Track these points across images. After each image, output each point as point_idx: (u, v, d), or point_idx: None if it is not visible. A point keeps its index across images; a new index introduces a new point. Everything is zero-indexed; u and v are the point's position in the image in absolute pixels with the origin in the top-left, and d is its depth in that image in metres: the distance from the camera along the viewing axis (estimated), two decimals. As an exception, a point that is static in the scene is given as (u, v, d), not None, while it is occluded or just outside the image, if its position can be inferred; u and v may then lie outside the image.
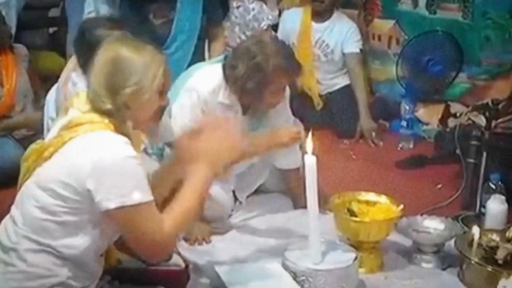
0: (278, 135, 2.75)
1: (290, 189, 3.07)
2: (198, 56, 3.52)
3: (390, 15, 4.41)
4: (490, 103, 2.98)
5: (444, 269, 2.51)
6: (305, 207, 2.30)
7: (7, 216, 1.89)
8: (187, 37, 3.49)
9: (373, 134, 4.09)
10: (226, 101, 2.75)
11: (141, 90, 1.83)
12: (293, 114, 3.11)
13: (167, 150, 2.79)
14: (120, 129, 1.83)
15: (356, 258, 2.30)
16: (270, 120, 2.91)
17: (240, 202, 3.00)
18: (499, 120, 3.07)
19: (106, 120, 1.82)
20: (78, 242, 1.81)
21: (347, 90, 4.28)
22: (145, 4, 3.47)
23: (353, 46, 4.29)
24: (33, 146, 1.91)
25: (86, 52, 2.26)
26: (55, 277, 1.80)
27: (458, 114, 3.38)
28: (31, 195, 1.82)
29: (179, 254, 2.23)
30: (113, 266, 2.03)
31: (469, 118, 3.39)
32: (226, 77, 2.73)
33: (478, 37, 4.02)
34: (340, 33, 4.27)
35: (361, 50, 4.33)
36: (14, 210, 1.87)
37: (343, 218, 2.47)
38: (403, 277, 2.45)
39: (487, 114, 3.01)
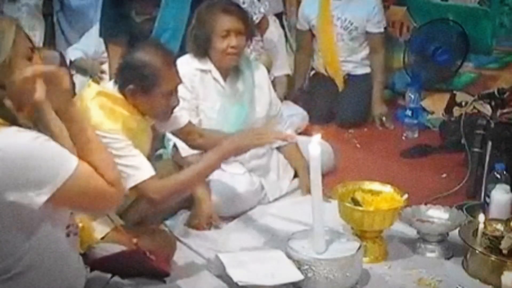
0: (263, 134, 2.56)
1: (295, 168, 3.11)
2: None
3: (403, 1, 4.35)
4: (496, 93, 2.96)
5: (448, 259, 2.50)
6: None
7: None
8: (170, 36, 3.30)
9: (384, 118, 4.09)
10: (202, 66, 2.92)
11: (5, 62, 1.59)
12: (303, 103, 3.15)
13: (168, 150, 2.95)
14: (6, 117, 1.61)
15: (360, 247, 2.30)
16: (255, 94, 3.00)
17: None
18: (505, 110, 3.06)
19: None
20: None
21: (364, 79, 4.23)
22: (128, 0, 3.31)
23: (377, 25, 4.17)
24: None
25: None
26: None
27: (463, 103, 3.37)
28: None
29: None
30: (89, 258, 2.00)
31: (474, 107, 3.38)
32: (188, 39, 2.95)
33: (493, 23, 3.99)
34: (364, 10, 4.14)
35: (385, 28, 4.22)
36: None
37: (347, 208, 2.47)
38: (407, 267, 2.45)
39: (492, 103, 3.00)
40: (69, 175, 1.59)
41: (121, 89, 2.35)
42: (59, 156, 1.61)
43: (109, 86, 2.41)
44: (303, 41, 4.40)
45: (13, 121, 1.61)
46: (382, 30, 4.20)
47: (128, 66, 2.34)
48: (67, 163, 1.61)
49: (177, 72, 2.41)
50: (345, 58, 4.24)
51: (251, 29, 3.00)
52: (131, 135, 2.31)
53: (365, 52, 4.24)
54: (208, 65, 2.94)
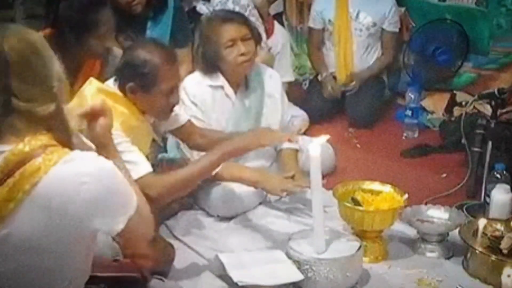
0: (264, 135, 2.53)
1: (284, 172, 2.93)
2: None
3: (401, 1, 4.34)
4: (496, 92, 2.96)
5: (448, 259, 2.51)
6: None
7: None
8: None
9: (353, 83, 4.10)
10: (213, 83, 2.88)
11: (62, 76, 1.56)
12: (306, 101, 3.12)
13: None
14: (63, 136, 1.55)
15: (360, 247, 2.30)
16: (266, 105, 2.96)
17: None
18: (505, 110, 3.06)
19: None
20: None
21: (373, 82, 4.20)
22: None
23: (393, 25, 4.18)
24: None
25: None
26: None
27: (463, 103, 3.37)
28: None
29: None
30: None
31: (474, 107, 3.38)
32: (195, 58, 2.95)
33: (490, 24, 3.99)
34: (383, 6, 4.14)
35: (399, 30, 4.24)
36: None
37: (348, 208, 2.47)
38: (407, 266, 2.45)
39: (492, 103, 3.00)
40: (137, 203, 1.57)
41: (121, 87, 2.33)
42: (128, 184, 1.60)
43: (110, 83, 2.40)
44: (314, 39, 4.35)
45: (67, 143, 1.55)
46: (396, 30, 4.22)
47: (129, 64, 2.32)
48: (133, 191, 1.60)
49: (177, 70, 2.39)
50: (361, 60, 4.22)
51: (257, 32, 2.94)
52: (130, 133, 2.29)
53: (378, 54, 4.24)
54: (221, 81, 2.88)
